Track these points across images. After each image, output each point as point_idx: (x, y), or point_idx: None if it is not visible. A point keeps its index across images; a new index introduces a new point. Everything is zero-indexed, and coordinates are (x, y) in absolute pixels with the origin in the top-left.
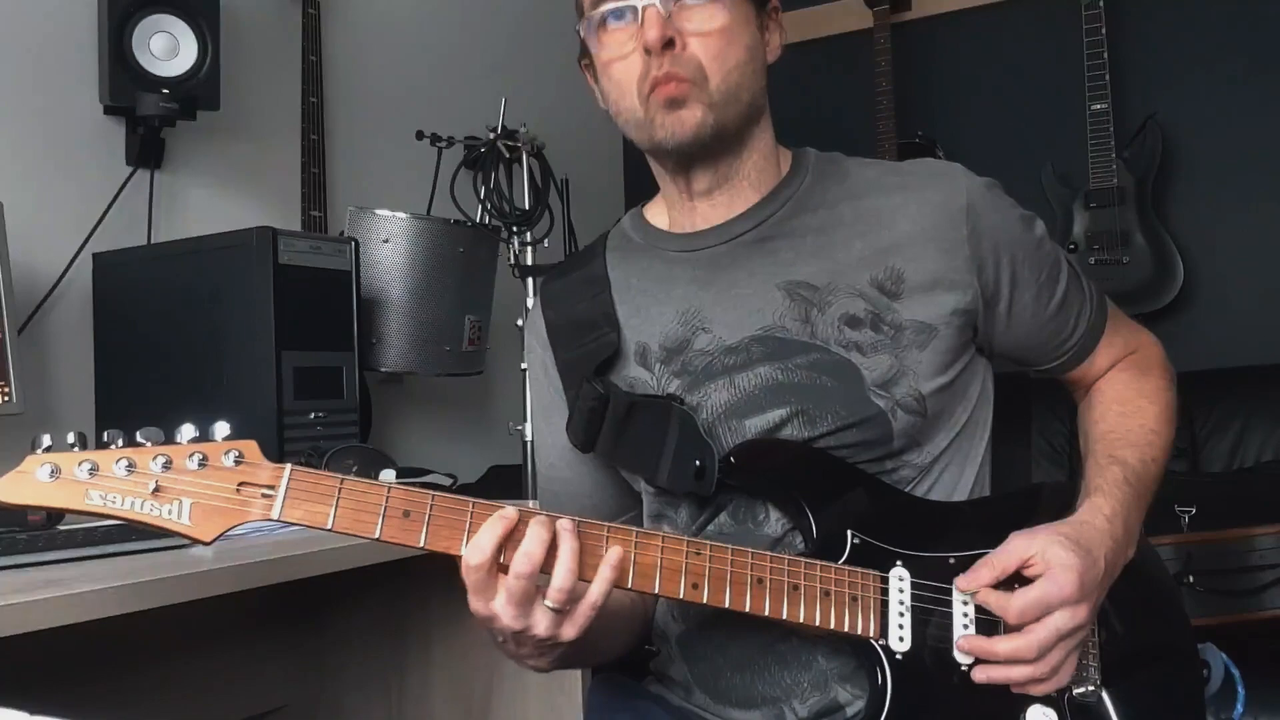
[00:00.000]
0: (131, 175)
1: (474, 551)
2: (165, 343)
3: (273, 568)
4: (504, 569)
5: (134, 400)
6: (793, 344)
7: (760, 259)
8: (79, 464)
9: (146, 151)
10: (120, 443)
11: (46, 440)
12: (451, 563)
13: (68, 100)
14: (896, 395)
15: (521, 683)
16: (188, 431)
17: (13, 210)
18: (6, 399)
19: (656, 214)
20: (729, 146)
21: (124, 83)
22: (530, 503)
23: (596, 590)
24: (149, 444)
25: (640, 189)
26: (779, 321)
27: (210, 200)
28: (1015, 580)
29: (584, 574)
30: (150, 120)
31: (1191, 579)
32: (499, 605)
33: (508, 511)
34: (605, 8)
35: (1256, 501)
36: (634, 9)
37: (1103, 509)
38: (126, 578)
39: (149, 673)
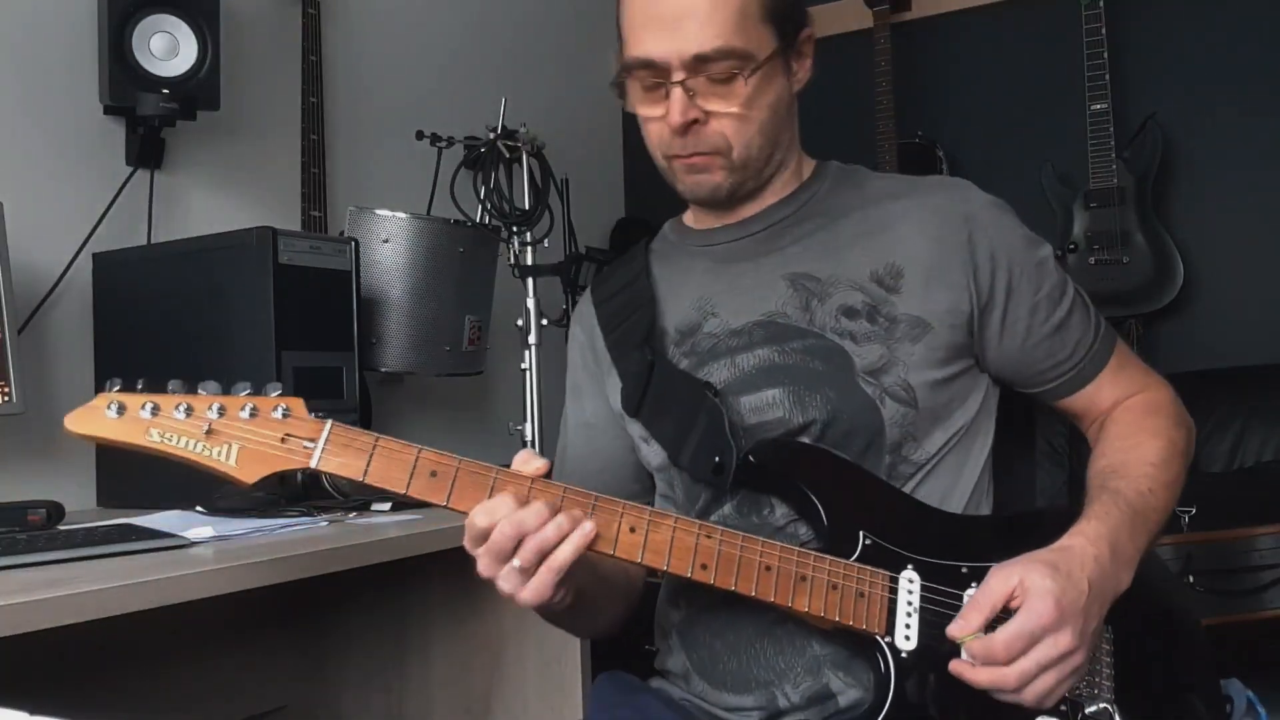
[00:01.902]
0: (131, 175)
1: (482, 514)
2: (165, 343)
3: (273, 568)
4: None
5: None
6: (791, 329)
7: (769, 253)
8: (143, 405)
9: (146, 151)
10: (182, 390)
11: (117, 383)
12: (453, 563)
13: (68, 100)
14: (885, 383)
15: (521, 683)
16: (243, 387)
17: (13, 210)
18: (6, 399)
19: (689, 214)
20: (748, 194)
21: (124, 83)
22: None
23: (562, 553)
24: (206, 393)
25: (640, 189)
26: (781, 309)
27: (210, 200)
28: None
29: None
30: (150, 120)
31: (1191, 579)
32: (479, 552)
33: (521, 493)
34: (639, 77)
35: (1256, 501)
36: (665, 85)
37: (1085, 531)
38: (126, 578)
39: (149, 673)
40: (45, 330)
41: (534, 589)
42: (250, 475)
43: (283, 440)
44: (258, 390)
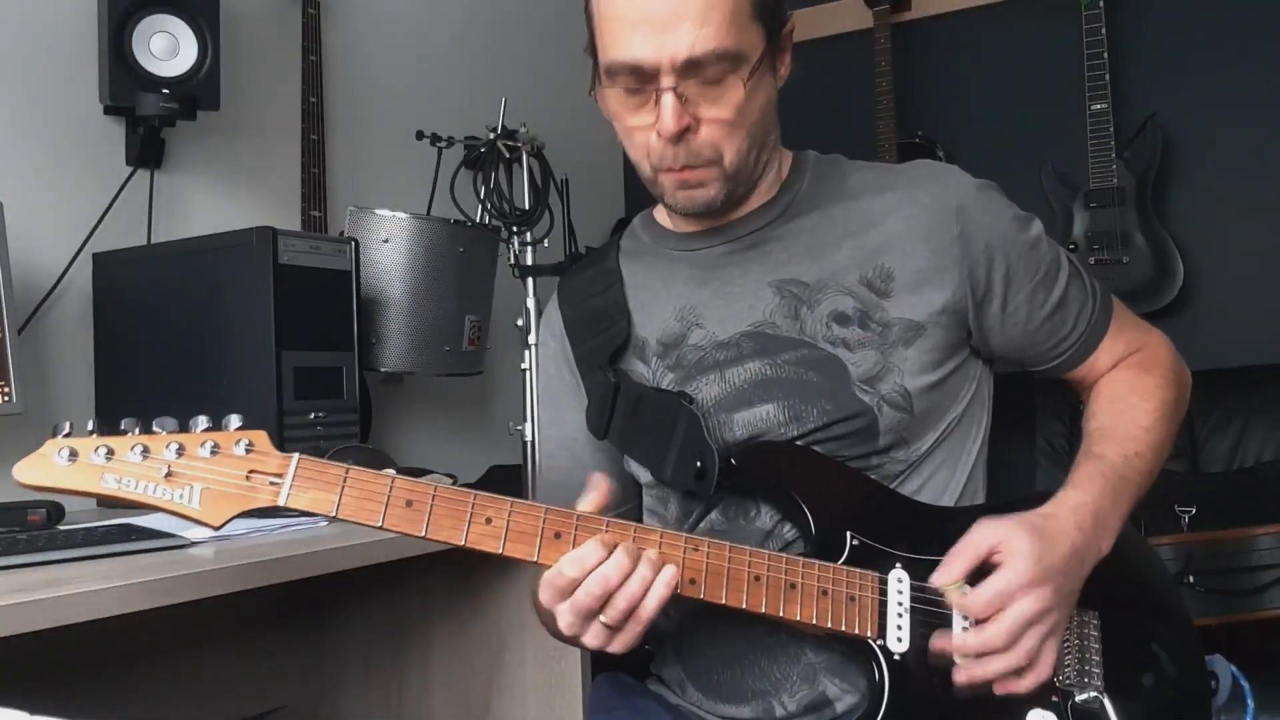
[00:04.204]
0: (131, 175)
1: (574, 564)
2: (165, 343)
3: (273, 568)
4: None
5: (134, 400)
6: (782, 340)
7: (754, 259)
8: (95, 449)
9: (146, 151)
10: (136, 430)
11: (66, 427)
12: (453, 563)
13: (68, 100)
14: (882, 391)
15: (521, 683)
16: (201, 422)
17: (13, 210)
18: (6, 399)
19: (663, 213)
20: (736, 203)
21: (124, 83)
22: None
23: (649, 607)
24: (163, 432)
25: (640, 189)
26: (769, 318)
27: (210, 200)
28: (983, 573)
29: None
30: (150, 120)
31: (1191, 579)
32: (562, 608)
33: (608, 538)
34: (622, 82)
35: (1256, 501)
36: (652, 89)
37: (1067, 501)
38: (126, 578)
39: (149, 673)
40: (45, 330)
41: (624, 641)
42: (216, 518)
43: (247, 477)
44: (217, 424)
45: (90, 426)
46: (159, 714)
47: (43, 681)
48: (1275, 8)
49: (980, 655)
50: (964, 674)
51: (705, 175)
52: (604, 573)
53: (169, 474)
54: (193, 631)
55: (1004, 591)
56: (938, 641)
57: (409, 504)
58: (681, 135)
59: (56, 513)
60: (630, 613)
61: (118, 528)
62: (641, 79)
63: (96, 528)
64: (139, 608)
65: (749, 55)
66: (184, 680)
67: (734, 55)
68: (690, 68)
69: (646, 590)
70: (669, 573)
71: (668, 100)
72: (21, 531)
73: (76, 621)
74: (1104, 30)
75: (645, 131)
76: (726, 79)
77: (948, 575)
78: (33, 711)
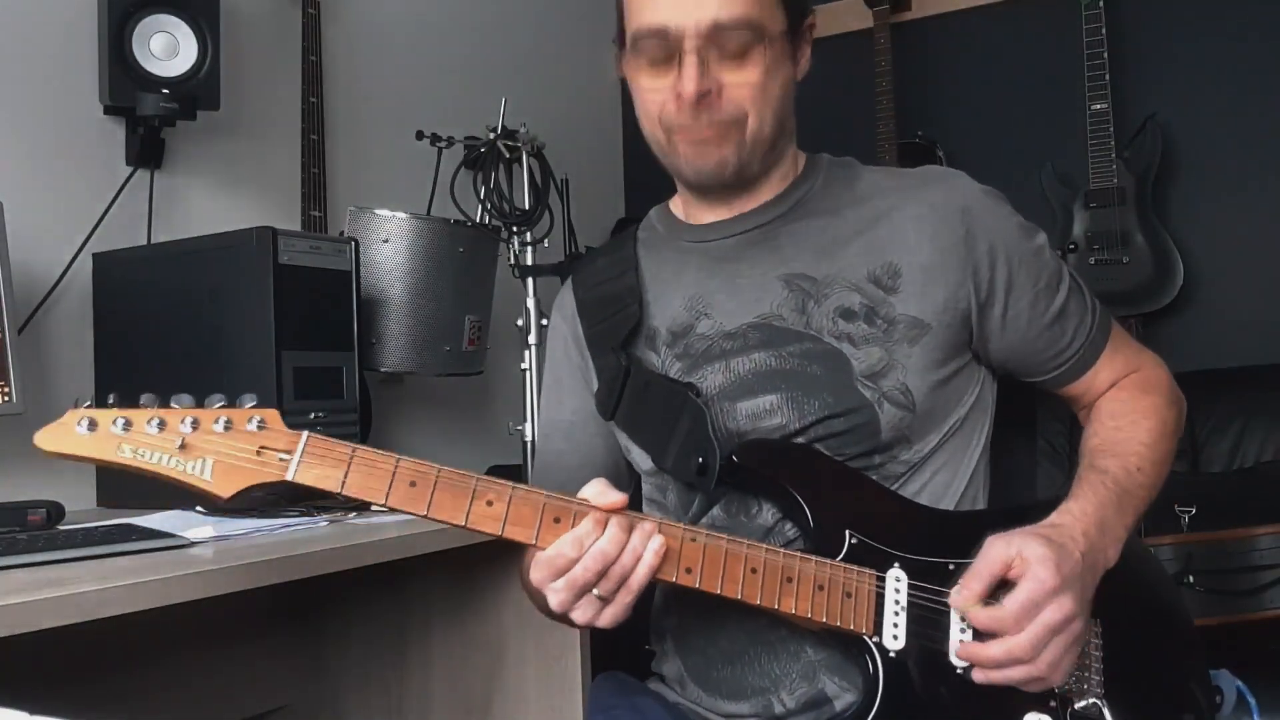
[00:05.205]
0: (131, 175)
1: (573, 544)
2: (165, 343)
3: (273, 568)
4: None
5: (134, 401)
6: (788, 332)
7: (764, 252)
8: (114, 420)
9: (146, 151)
10: (155, 405)
11: (88, 400)
12: (453, 563)
13: (68, 100)
14: (884, 387)
15: (521, 683)
16: (217, 399)
17: (13, 210)
18: (6, 399)
19: (678, 204)
20: (749, 180)
21: (124, 83)
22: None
23: (639, 576)
24: (180, 407)
25: (640, 189)
26: (776, 311)
27: (210, 200)
28: (999, 587)
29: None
30: (150, 120)
31: (1191, 579)
32: (556, 586)
33: (601, 516)
34: (647, 49)
35: (1256, 501)
36: (676, 56)
37: (1072, 509)
38: (126, 578)
39: (149, 673)
40: (45, 330)
41: (613, 614)
42: (226, 489)
43: (258, 453)
44: (231, 402)
45: (110, 400)
46: (159, 714)
47: (43, 681)
48: (1275, 7)
49: (1003, 666)
50: (983, 675)
51: (725, 135)
52: (601, 548)
53: (183, 446)
54: (193, 631)
55: (1032, 601)
56: (963, 649)
57: (413, 484)
58: (701, 99)
59: (56, 513)
60: (622, 581)
61: (118, 528)
62: (666, 44)
63: (96, 528)
64: (139, 608)
65: (771, 31)
66: (184, 680)
67: (757, 26)
68: (715, 33)
69: (638, 560)
70: (657, 542)
71: (690, 61)
72: (21, 531)
73: (76, 621)
74: (1104, 30)
75: (663, 94)
76: (749, 52)
77: (968, 596)
78: (33, 712)
